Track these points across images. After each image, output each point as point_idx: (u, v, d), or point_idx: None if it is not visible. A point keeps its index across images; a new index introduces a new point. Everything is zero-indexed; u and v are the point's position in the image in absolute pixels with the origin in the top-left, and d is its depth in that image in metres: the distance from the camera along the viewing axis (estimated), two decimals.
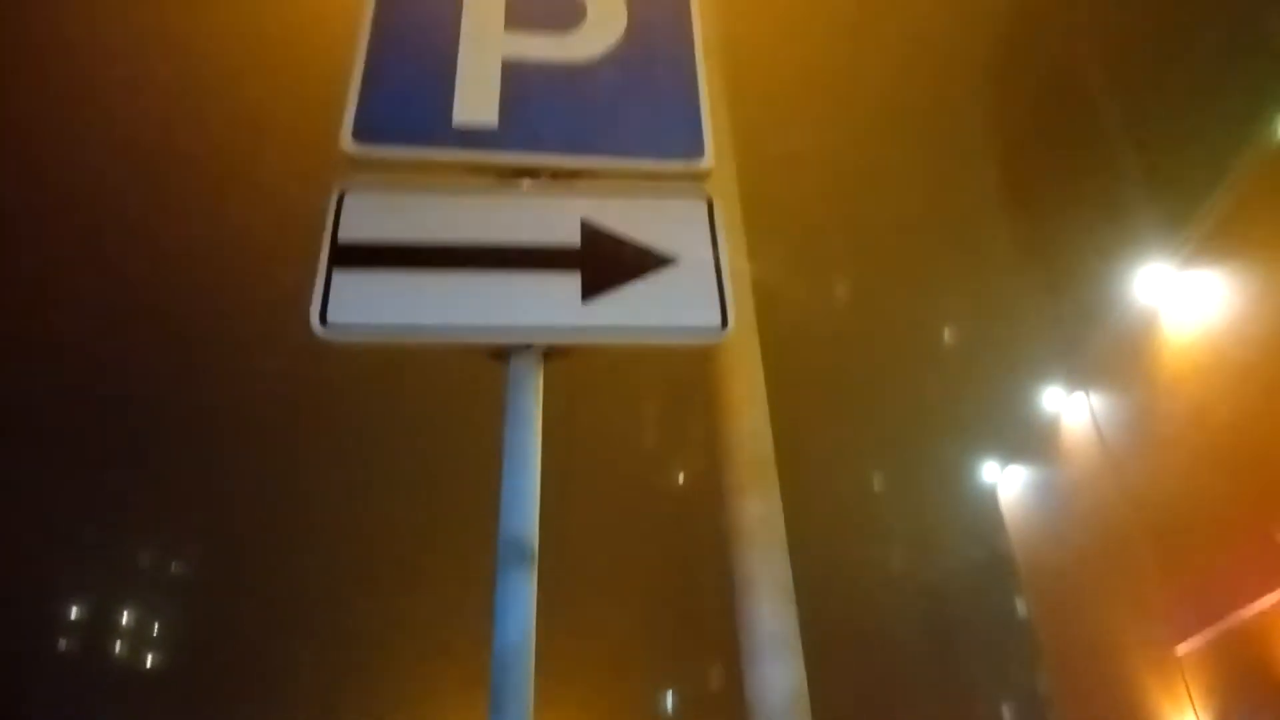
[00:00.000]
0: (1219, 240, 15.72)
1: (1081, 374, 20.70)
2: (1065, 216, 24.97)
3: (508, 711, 1.58)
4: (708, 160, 2.23)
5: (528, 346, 1.96)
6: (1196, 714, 16.04)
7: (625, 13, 2.45)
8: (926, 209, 50.19)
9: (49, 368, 53.00)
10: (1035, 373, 26.42)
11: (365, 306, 1.93)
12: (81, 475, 52.88)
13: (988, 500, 26.42)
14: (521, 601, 1.67)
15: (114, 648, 56.79)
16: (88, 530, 53.95)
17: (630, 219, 2.11)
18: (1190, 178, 17.97)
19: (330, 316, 1.89)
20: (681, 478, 53.03)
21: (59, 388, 53.02)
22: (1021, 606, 35.74)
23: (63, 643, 54.45)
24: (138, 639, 58.02)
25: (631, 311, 1.98)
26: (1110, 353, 19.25)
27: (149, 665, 58.01)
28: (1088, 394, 20.17)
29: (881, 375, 48.82)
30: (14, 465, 49.10)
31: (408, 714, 52.89)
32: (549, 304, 1.98)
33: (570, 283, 1.99)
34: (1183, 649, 16.41)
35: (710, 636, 40.86)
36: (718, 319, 1.99)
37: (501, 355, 1.97)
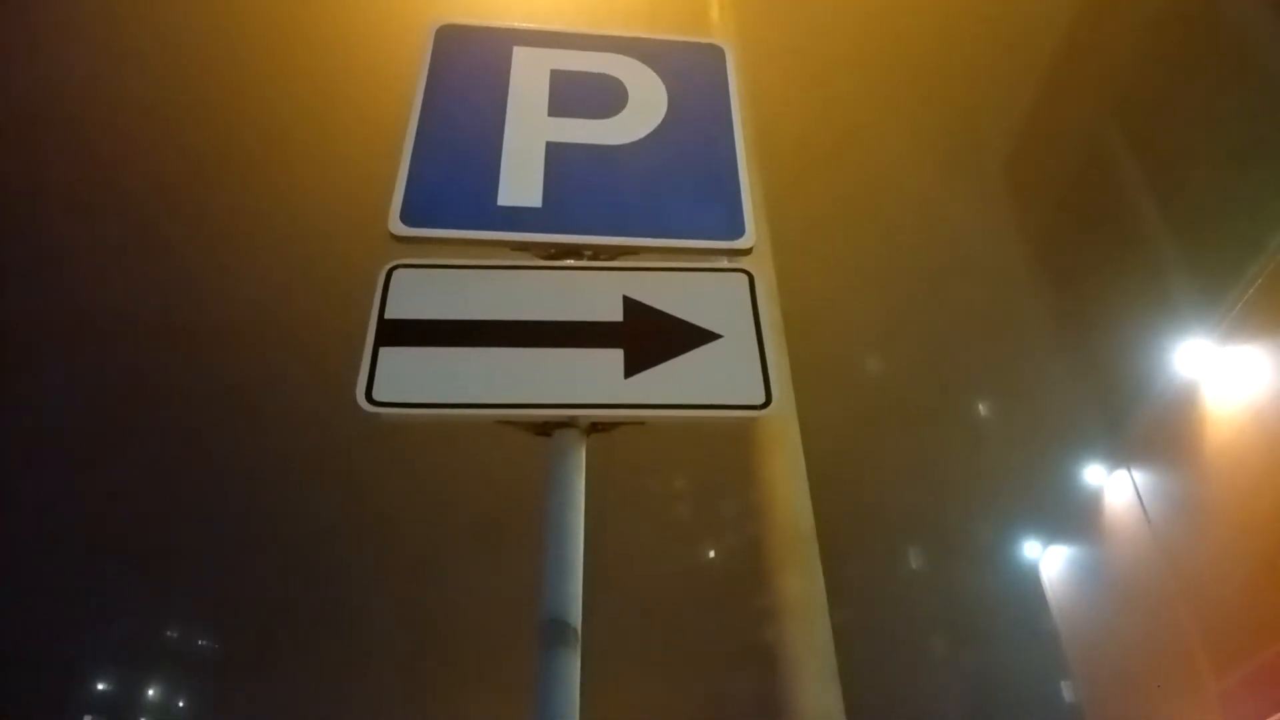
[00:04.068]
0: (1260, 313, 15.51)
1: (1123, 450, 20.32)
2: (1103, 291, 24.81)
3: None
4: (749, 239, 2.25)
5: (571, 422, 1.97)
6: None
7: (665, 97, 2.52)
8: (962, 284, 50.10)
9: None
10: (1076, 449, 25.96)
11: (411, 384, 1.95)
12: (121, 545, 53.25)
13: (1030, 579, 25.77)
14: (564, 683, 1.64)
15: None
16: (122, 603, 54.08)
17: (672, 295, 2.13)
18: (1230, 250, 17.83)
19: (376, 394, 1.91)
20: (723, 553, 52.32)
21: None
22: (1068, 690, 34.50)
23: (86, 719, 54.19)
24: None
25: (675, 387, 1.98)
26: (1152, 428, 18.90)
27: None
28: (1130, 470, 19.76)
29: (921, 453, 48.24)
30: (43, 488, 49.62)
31: None
32: (593, 380, 1.99)
33: (614, 359, 2.01)
34: None
35: (753, 714, 39.72)
36: (761, 395, 1.99)
37: (545, 430, 1.98)
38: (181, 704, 58.59)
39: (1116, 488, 20.31)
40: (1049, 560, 24.00)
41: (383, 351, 1.98)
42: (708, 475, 48.78)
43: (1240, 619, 15.45)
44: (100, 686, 55.95)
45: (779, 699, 3.12)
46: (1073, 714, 32.47)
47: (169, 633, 58.61)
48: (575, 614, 1.72)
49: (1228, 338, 16.25)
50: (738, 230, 2.27)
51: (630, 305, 2.10)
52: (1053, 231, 28.02)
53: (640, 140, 2.42)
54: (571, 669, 1.66)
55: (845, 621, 4.59)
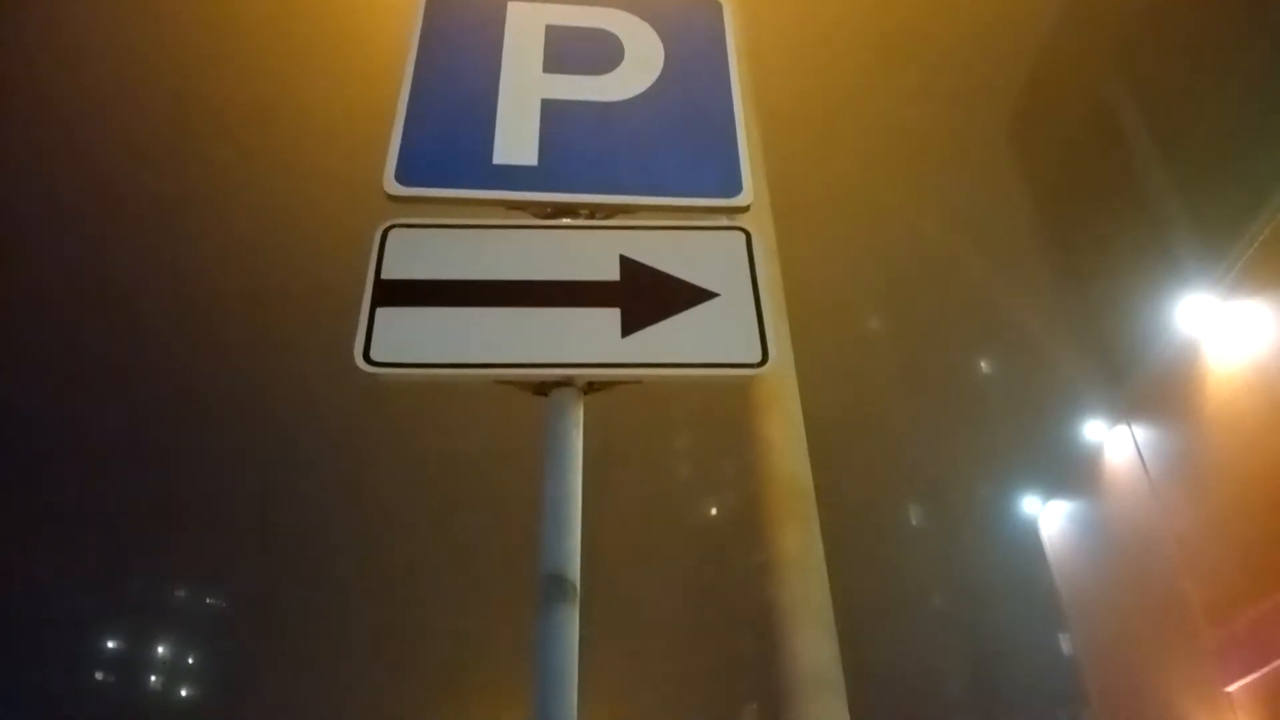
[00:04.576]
0: (1263, 269, 15.45)
1: (1124, 407, 20.35)
2: (1106, 247, 24.70)
3: None
4: (746, 196, 2.24)
5: (568, 381, 1.97)
6: None
7: (662, 53, 2.48)
8: (965, 244, 49.90)
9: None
10: (1077, 406, 26.04)
11: (408, 344, 1.95)
12: (130, 509, 53.68)
13: (1029, 535, 25.96)
14: (563, 637, 1.67)
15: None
16: (130, 564, 54.64)
17: (669, 254, 2.12)
18: (1232, 206, 17.72)
19: (374, 354, 1.92)
20: (721, 511, 52.66)
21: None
22: (1066, 644, 34.93)
23: (99, 676, 54.99)
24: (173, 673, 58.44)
25: (672, 346, 1.99)
26: (1153, 385, 18.91)
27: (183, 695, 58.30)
28: (1130, 427, 19.81)
29: (922, 409, 48.34)
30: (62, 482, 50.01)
31: None
32: (589, 339, 1.99)
33: (610, 318, 2.01)
34: (1234, 688, 15.92)
35: (750, 671, 40.28)
36: (758, 353, 1.99)
37: (542, 390, 1.99)
38: (190, 661, 59.42)
39: (1117, 444, 20.37)
40: (1048, 516, 24.15)
41: (379, 312, 1.98)
42: (706, 434, 49.00)
43: (1237, 573, 15.59)
44: (110, 644, 56.73)
45: (776, 654, 3.16)
46: (1070, 667, 32.92)
47: (177, 592, 59.29)
48: (574, 569, 1.74)
49: (1230, 293, 16.20)
50: (735, 188, 2.25)
51: (627, 264, 2.10)
52: (1055, 188, 27.83)
53: (636, 97, 2.39)
54: (570, 623, 1.69)
55: (843, 577, 4.64)
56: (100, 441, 53.87)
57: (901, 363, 50.03)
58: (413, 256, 2.09)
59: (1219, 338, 16.41)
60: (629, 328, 1.99)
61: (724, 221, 2.26)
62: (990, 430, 46.07)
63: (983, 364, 52.83)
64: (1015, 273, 46.24)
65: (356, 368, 1.90)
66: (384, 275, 2.04)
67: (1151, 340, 19.35)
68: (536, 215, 2.21)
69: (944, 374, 49.87)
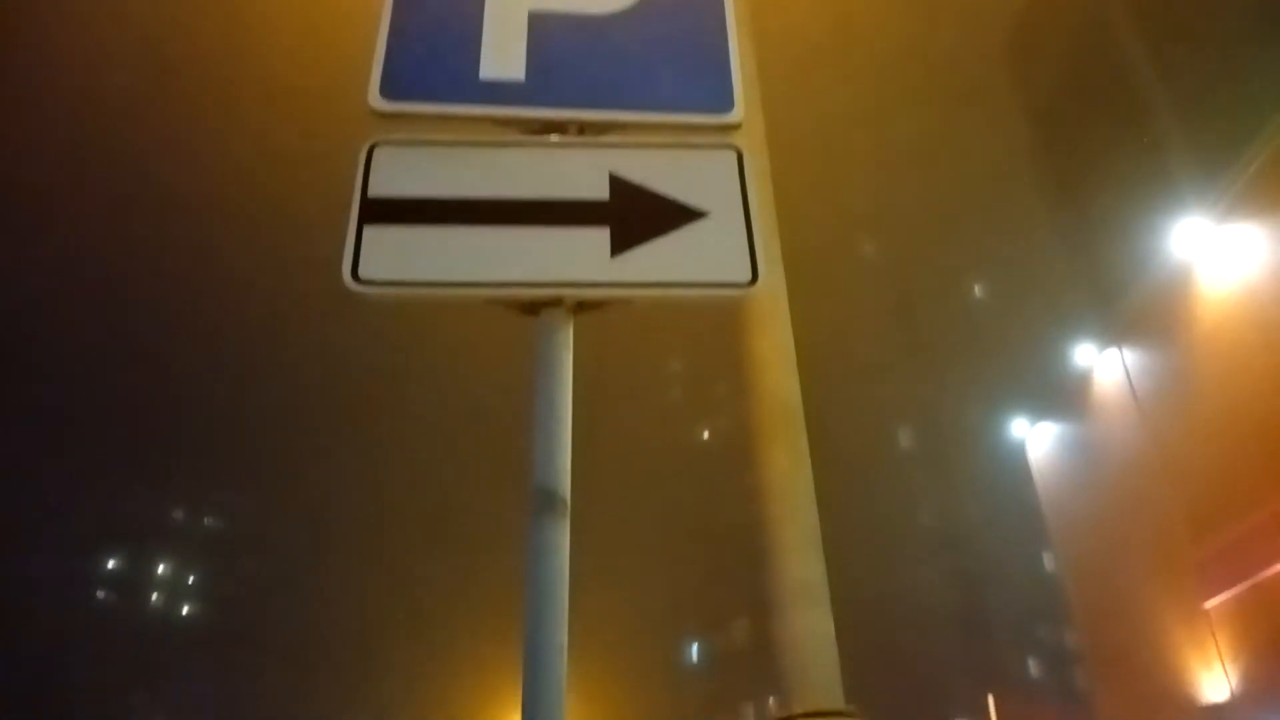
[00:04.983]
0: (1258, 193, 15.38)
1: (1115, 330, 20.46)
2: (1100, 170, 24.49)
3: (542, 659, 1.61)
4: (738, 113, 2.21)
5: (558, 301, 1.97)
6: (1224, 667, 16.04)
7: None
8: (957, 163, 49.42)
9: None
10: (1067, 329, 26.13)
11: (396, 262, 1.94)
12: (125, 429, 53.98)
13: (1017, 457, 26.33)
14: (554, 550, 1.70)
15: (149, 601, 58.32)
16: (127, 484, 55.16)
17: (659, 172, 2.10)
18: (1228, 129, 17.54)
19: (362, 272, 1.91)
20: (711, 431, 53.16)
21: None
22: (1050, 563, 35.75)
23: (100, 595, 55.99)
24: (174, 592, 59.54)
25: (661, 265, 1.98)
26: (1145, 308, 18.99)
27: (184, 616, 59.51)
28: (1121, 350, 19.95)
29: (911, 331, 48.49)
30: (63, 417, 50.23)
31: (441, 663, 54.05)
32: (578, 258, 1.98)
33: (600, 237, 2.00)
34: (1211, 604, 16.37)
35: (740, 588, 41.18)
36: (748, 273, 1.98)
37: (532, 310, 1.99)
38: (191, 580, 60.47)
39: (1106, 367, 20.54)
40: (1035, 438, 24.47)
41: (367, 230, 1.96)
42: (697, 356, 49.16)
43: (1220, 493, 15.88)
44: (110, 564, 57.62)
45: (765, 570, 3.24)
46: (1054, 586, 33.73)
47: (174, 513, 60.00)
48: (564, 485, 1.77)
49: (1225, 217, 16.16)
50: (726, 104, 2.22)
51: (616, 183, 2.08)
52: (1051, 110, 27.46)
53: (627, 10, 2.34)
54: (561, 537, 1.72)
55: (831, 497, 4.72)
56: (97, 362, 53.86)
57: (892, 285, 50.01)
58: (399, 174, 2.06)
59: (1212, 261, 16.42)
60: (619, 247, 1.99)
61: (717, 139, 2.23)
62: (980, 354, 46.34)
63: (975, 288, 52.84)
64: (1009, 196, 45.93)
65: (345, 286, 1.90)
66: (370, 193, 2.02)
67: (1145, 263, 19.35)
68: (524, 132, 2.18)
69: (935, 297, 49.93)
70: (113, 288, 56.96)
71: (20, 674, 45.82)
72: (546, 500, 1.74)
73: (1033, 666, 43.47)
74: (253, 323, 58.75)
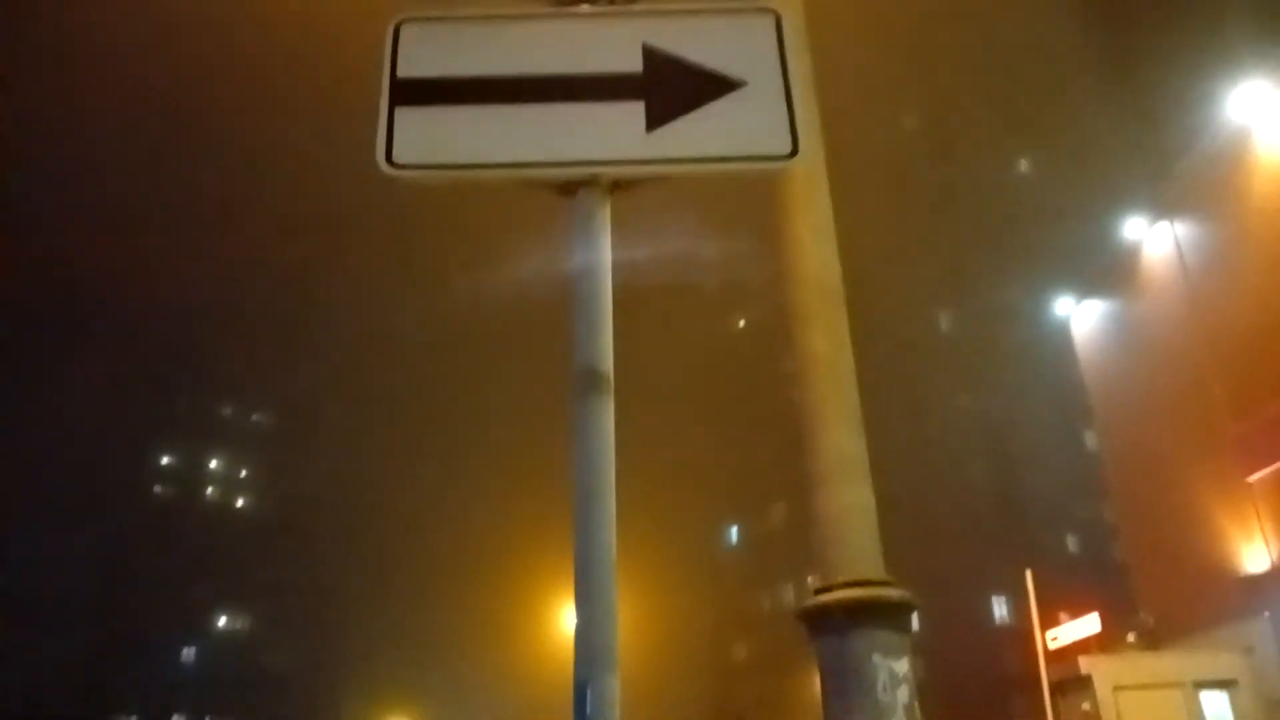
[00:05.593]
0: None
1: (1167, 202, 19.86)
2: (1156, 34, 23.35)
3: (593, 534, 1.65)
4: None
5: (594, 180, 1.94)
6: (1266, 539, 16.12)
7: None
8: (1006, 31, 47.28)
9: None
10: (1117, 203, 25.43)
11: (430, 145, 1.92)
12: (170, 327, 55.07)
13: (1060, 335, 26.05)
14: (600, 426, 1.72)
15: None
16: (178, 379, 56.67)
17: (694, 41, 2.02)
18: None
19: (396, 156, 1.89)
20: (751, 314, 53.09)
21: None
22: (1090, 439, 35.74)
23: (158, 490, 58.31)
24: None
25: (699, 139, 1.92)
26: (1199, 178, 18.35)
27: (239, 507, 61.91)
28: (1172, 223, 19.40)
29: (956, 207, 47.37)
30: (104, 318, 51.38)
31: (489, 542, 56.03)
32: (613, 135, 1.93)
33: (635, 112, 1.94)
34: (1255, 478, 16.34)
35: (780, 470, 41.75)
36: (789, 144, 1.92)
37: (568, 190, 1.96)
38: (244, 474, 62.62)
39: (1156, 240, 20.04)
40: (1080, 316, 24.12)
41: (399, 112, 1.93)
42: (736, 236, 48.44)
43: (1265, 368, 15.65)
44: (165, 460, 59.74)
45: (806, 447, 3.26)
46: (1094, 462, 33.80)
47: (224, 410, 61.69)
48: (607, 363, 1.78)
49: None
50: None
51: (650, 54, 2.00)
52: None
53: None
54: (606, 413, 1.73)
55: (871, 376, 4.70)
56: (141, 256, 54.47)
57: (937, 159, 48.59)
58: (428, 53, 2.01)
59: (1272, 125, 15.76)
60: (654, 121, 1.93)
61: (752, 4, 2.13)
62: (1027, 231, 45.30)
63: (1022, 162, 51.24)
64: (1059, 60, 43.98)
65: (379, 170, 1.88)
66: (400, 74, 1.98)
67: (1200, 131, 18.62)
68: (552, 2, 2.10)
69: (980, 172, 48.52)
70: (161, 183, 57.36)
71: (87, 571, 48.26)
72: (589, 380, 1.75)
73: (1071, 543, 43.99)
74: (297, 216, 58.89)
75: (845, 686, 2.93)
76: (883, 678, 2.90)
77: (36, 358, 49.47)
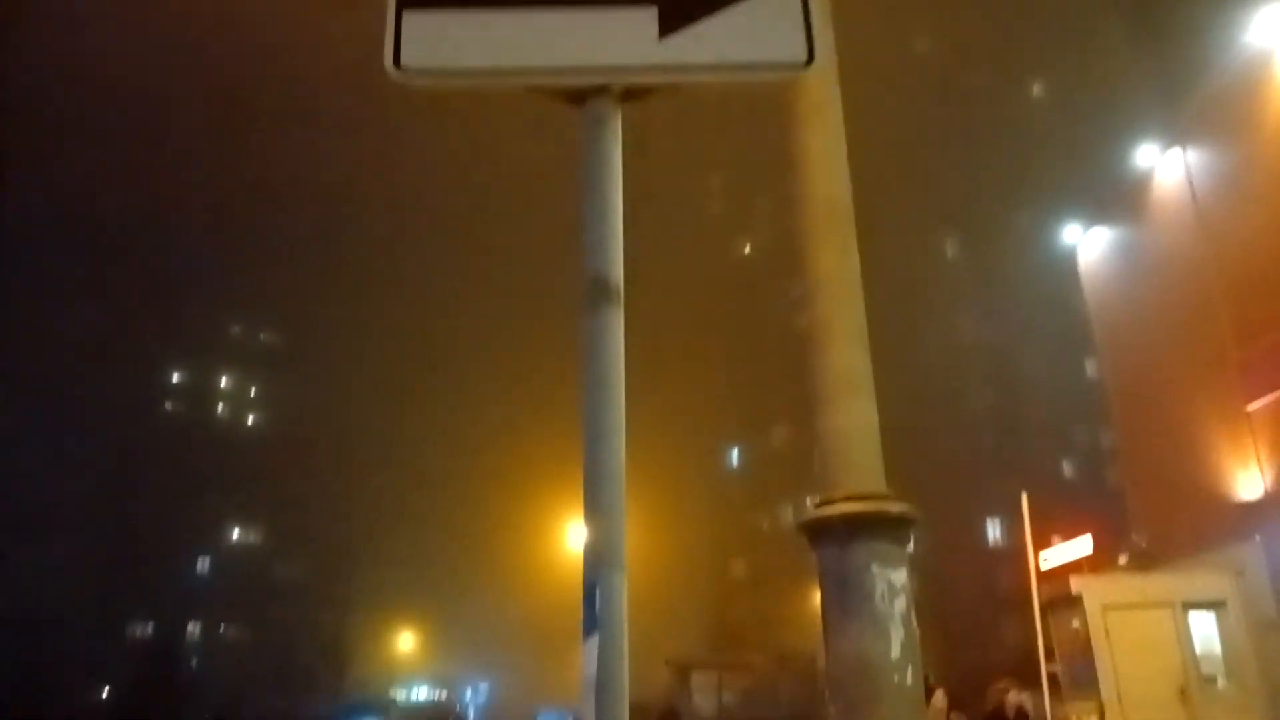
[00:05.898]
0: None
1: (1181, 128, 19.51)
2: None
3: (604, 444, 1.67)
4: None
5: (604, 88, 1.91)
6: (1261, 467, 16.29)
7: None
8: None
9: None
10: (1130, 129, 25.00)
11: (438, 48, 1.88)
12: (178, 245, 54.81)
13: (1067, 263, 25.86)
14: (610, 335, 1.73)
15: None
16: (188, 298, 56.66)
17: None
18: None
19: (404, 60, 1.86)
20: (759, 231, 52.76)
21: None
22: (1092, 367, 35.82)
23: (168, 406, 58.82)
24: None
25: (712, 47, 1.88)
26: (1215, 103, 18.00)
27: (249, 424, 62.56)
28: (1185, 149, 19.09)
29: (967, 132, 46.63)
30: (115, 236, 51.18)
31: (503, 452, 56.76)
32: (624, 42, 1.89)
33: (646, 18, 1.90)
34: (1254, 406, 16.42)
35: (785, 389, 41.96)
36: (804, 52, 1.88)
37: (578, 98, 1.93)
38: (253, 392, 63.05)
39: (1168, 167, 19.75)
40: (1087, 244, 23.92)
41: (407, 14, 1.89)
42: (747, 151, 47.67)
43: (1272, 297, 15.58)
44: (175, 378, 60.11)
45: (812, 364, 3.28)
46: (1094, 389, 33.95)
47: (233, 328, 61.82)
48: (617, 273, 1.78)
49: None
50: None
51: None
52: None
53: None
54: (616, 323, 1.75)
55: (878, 296, 4.70)
56: (153, 176, 53.84)
57: (947, 79, 47.64)
58: None
59: None
60: (667, 27, 1.89)
61: None
62: (1037, 157, 44.65)
63: (1034, 86, 50.24)
64: None
65: (387, 74, 1.85)
66: None
67: (1219, 56, 18.19)
68: None
69: (992, 95, 47.61)
70: (169, 107, 56.46)
71: (96, 484, 48.96)
72: (600, 288, 1.75)
73: (1068, 468, 44.47)
74: (301, 130, 57.90)
75: (844, 595, 3.00)
76: (881, 587, 2.98)
77: (50, 275, 49.42)
